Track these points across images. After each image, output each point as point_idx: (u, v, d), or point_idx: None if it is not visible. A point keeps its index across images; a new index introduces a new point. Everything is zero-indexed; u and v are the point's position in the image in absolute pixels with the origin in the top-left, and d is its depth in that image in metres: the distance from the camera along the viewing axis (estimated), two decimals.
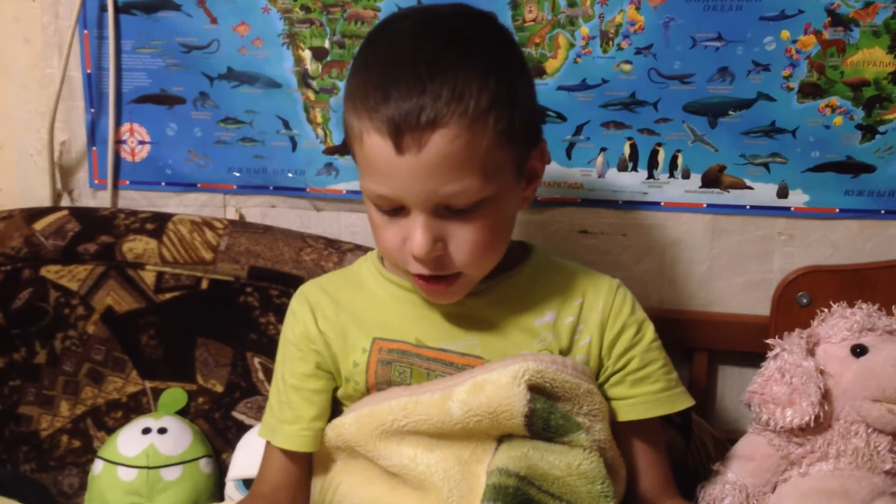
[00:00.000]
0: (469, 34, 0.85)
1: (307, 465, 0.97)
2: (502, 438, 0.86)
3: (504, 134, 0.82)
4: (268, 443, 0.97)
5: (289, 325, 0.97)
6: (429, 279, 0.87)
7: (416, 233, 0.83)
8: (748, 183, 1.16)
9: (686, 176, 1.17)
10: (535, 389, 0.85)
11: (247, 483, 1.14)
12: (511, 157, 0.85)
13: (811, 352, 0.99)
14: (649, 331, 0.95)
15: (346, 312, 0.95)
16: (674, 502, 0.95)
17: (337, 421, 0.93)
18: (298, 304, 0.97)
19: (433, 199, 0.82)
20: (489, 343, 0.91)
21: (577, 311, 0.94)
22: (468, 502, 0.83)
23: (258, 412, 1.20)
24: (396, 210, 0.85)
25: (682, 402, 0.95)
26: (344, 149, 1.24)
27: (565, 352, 0.92)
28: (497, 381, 0.85)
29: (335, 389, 0.96)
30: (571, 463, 0.84)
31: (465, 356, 0.91)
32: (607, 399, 0.93)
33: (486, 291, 0.93)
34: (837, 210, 1.14)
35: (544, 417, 0.85)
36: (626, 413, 0.93)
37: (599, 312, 0.94)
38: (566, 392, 0.87)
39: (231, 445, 1.20)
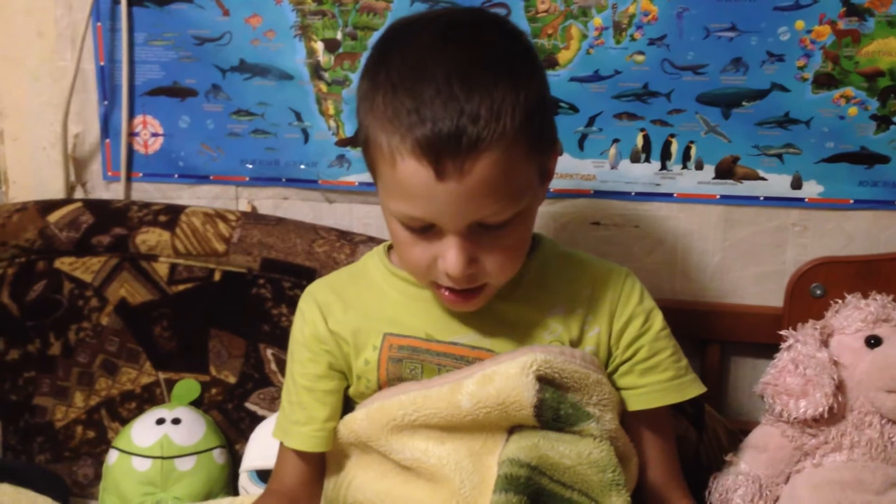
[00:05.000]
0: (492, 44, 0.83)
1: (321, 464, 0.97)
2: (513, 429, 0.86)
3: (532, 147, 0.82)
4: (281, 442, 0.97)
5: (297, 326, 0.97)
6: (458, 292, 0.86)
7: (451, 253, 0.81)
8: (762, 174, 1.15)
9: (699, 167, 1.16)
10: (545, 380, 0.85)
11: (260, 474, 1.14)
12: (537, 167, 0.85)
13: (825, 343, 0.99)
14: (657, 319, 0.95)
15: (354, 310, 0.94)
16: (680, 493, 0.95)
17: (348, 417, 0.93)
18: (307, 305, 0.96)
19: (470, 221, 0.81)
20: (499, 336, 0.91)
21: (585, 302, 0.93)
22: (480, 493, 0.83)
23: (271, 403, 1.21)
24: (426, 228, 0.83)
25: (693, 389, 0.95)
26: (356, 141, 1.24)
27: (575, 342, 0.92)
28: (506, 372, 0.85)
29: (347, 388, 0.96)
30: (582, 452, 0.84)
31: (475, 349, 0.91)
32: (617, 389, 0.93)
33: None
34: (852, 201, 1.14)
35: (553, 407, 0.85)
36: (635, 402, 0.93)
37: (608, 303, 0.94)
38: (575, 382, 0.87)
39: (244, 436, 1.21)
